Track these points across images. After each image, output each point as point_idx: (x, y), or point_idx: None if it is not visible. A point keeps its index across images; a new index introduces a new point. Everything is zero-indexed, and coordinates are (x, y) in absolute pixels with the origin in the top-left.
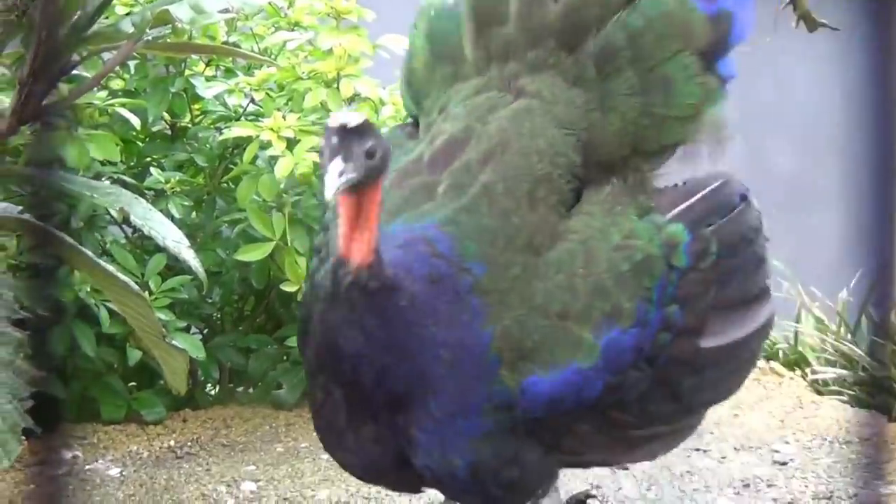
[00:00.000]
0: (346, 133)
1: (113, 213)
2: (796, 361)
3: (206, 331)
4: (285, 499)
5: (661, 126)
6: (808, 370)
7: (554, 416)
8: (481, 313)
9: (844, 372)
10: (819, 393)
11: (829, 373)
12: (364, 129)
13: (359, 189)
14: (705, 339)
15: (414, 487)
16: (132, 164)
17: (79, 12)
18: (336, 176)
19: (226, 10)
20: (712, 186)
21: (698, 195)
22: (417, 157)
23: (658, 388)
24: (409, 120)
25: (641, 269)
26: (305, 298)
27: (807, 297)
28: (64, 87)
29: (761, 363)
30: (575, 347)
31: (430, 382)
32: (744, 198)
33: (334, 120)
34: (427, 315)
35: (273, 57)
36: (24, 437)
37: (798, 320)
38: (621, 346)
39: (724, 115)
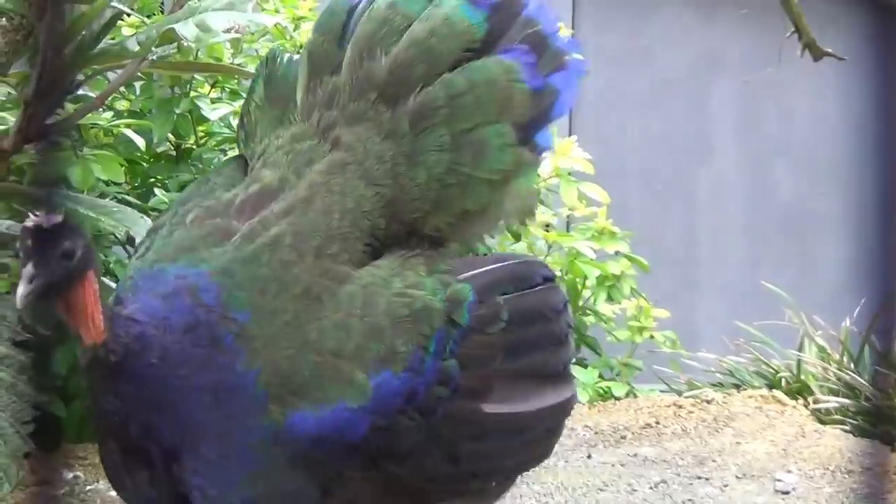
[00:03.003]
0: (40, 235)
1: (116, 233)
2: (799, 390)
3: None
4: None
5: (465, 186)
6: (810, 399)
7: (321, 455)
8: (242, 354)
9: (847, 401)
10: (822, 422)
11: (832, 402)
12: (61, 230)
13: (63, 290)
14: (490, 405)
15: None
16: (136, 184)
17: (84, 32)
18: (27, 282)
19: (230, 30)
20: (512, 261)
21: (495, 265)
22: (229, 200)
23: (435, 445)
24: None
25: (420, 317)
26: None
27: (809, 325)
28: (69, 107)
29: (763, 391)
30: (346, 385)
31: (196, 429)
32: (547, 279)
33: (29, 220)
34: (181, 365)
35: None
36: (24, 460)
37: (801, 349)
38: (392, 389)
39: (533, 187)
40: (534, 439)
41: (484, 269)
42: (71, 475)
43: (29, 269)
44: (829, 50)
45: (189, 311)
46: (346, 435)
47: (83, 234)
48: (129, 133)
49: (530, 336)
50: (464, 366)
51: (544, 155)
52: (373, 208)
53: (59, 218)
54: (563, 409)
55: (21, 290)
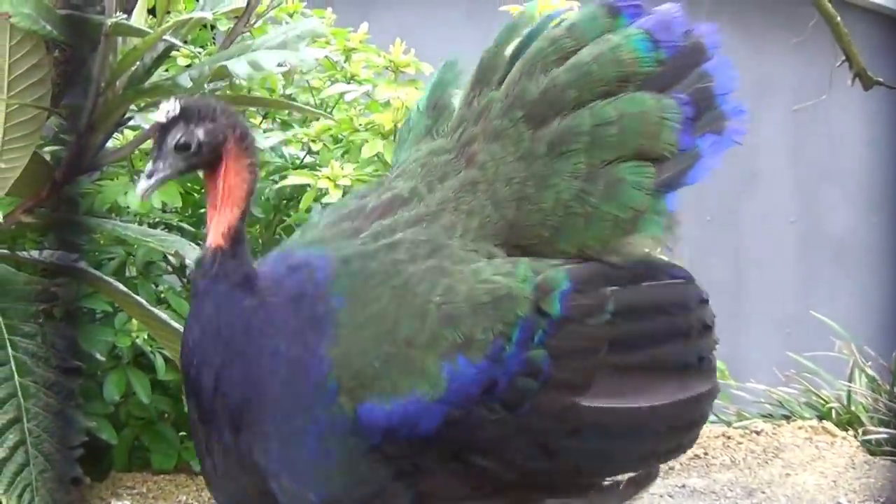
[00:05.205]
0: (161, 129)
1: (171, 259)
2: (849, 421)
3: None
4: None
5: (590, 218)
6: (861, 430)
7: (394, 448)
8: (327, 339)
9: None
10: (872, 453)
11: (883, 433)
12: (175, 122)
13: (207, 169)
14: (590, 399)
15: None
16: (188, 213)
17: (137, 64)
18: (145, 177)
19: (282, 65)
20: (635, 259)
21: (609, 260)
22: (361, 206)
23: (524, 438)
24: None
25: (502, 305)
26: None
27: (860, 356)
28: (129, 134)
29: (813, 422)
30: (417, 375)
31: (266, 397)
32: (676, 277)
33: (154, 115)
34: (274, 326)
35: (329, 110)
36: (73, 486)
37: (851, 379)
38: (467, 378)
39: (660, 241)
40: (652, 435)
41: (597, 262)
42: None
43: (149, 164)
44: (880, 79)
45: (302, 283)
46: (418, 427)
47: (210, 116)
48: None
49: (644, 329)
50: (556, 357)
51: (671, 216)
52: (496, 231)
53: (176, 109)
54: (695, 403)
55: (140, 186)
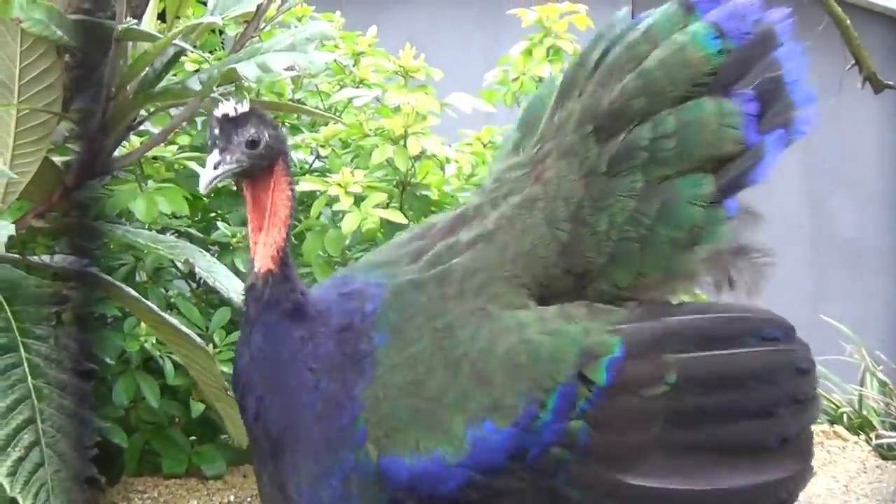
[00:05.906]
0: (226, 123)
1: (179, 265)
2: (861, 425)
3: None
4: None
5: (645, 242)
6: (872, 434)
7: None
8: (363, 379)
9: None
10: (884, 457)
11: (894, 437)
12: (246, 119)
13: (253, 181)
14: (638, 477)
15: None
16: (197, 218)
17: (147, 69)
18: (211, 167)
19: (291, 69)
20: (715, 314)
21: (686, 316)
22: (433, 223)
23: None
24: None
25: (541, 369)
26: None
27: (871, 360)
28: (135, 140)
29: (825, 427)
30: (441, 435)
31: (301, 431)
32: (769, 339)
33: (217, 109)
34: (319, 359)
35: (338, 114)
36: (88, 485)
37: (862, 384)
38: (491, 444)
39: (726, 247)
40: None
41: (662, 320)
42: None
43: (215, 155)
44: (890, 82)
45: (351, 314)
46: (437, 488)
47: (272, 124)
48: (194, 166)
49: (712, 405)
50: (598, 429)
51: (730, 222)
52: (547, 253)
53: (246, 106)
54: (769, 489)
55: (206, 176)
